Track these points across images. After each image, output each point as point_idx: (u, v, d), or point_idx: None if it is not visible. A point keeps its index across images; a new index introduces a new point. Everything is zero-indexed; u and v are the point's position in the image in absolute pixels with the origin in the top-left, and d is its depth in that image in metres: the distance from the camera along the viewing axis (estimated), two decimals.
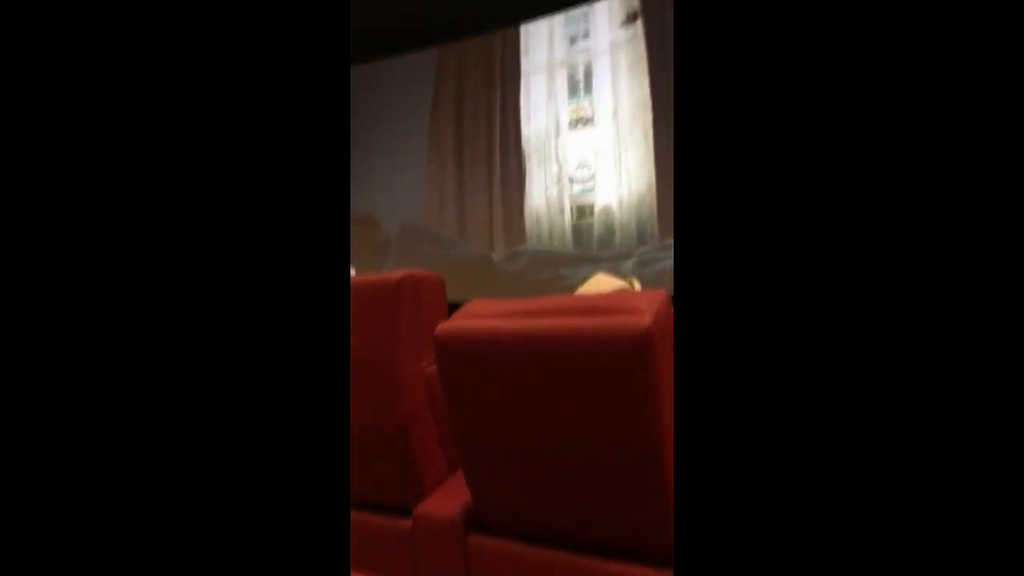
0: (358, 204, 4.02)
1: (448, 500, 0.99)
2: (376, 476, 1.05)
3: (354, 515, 1.07)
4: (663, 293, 0.77)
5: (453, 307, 0.93)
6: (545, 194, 3.64)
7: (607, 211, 3.47)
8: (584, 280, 1.19)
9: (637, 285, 1.18)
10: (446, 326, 0.84)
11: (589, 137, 3.56)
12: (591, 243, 3.50)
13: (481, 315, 0.84)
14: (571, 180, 3.58)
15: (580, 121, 3.59)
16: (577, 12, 3.60)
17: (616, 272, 1.24)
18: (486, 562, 0.90)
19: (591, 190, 3.53)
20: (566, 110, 3.64)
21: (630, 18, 3.46)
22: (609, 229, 3.46)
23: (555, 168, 3.62)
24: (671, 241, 3.16)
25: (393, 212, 4.03)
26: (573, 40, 3.64)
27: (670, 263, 3.18)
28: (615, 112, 3.49)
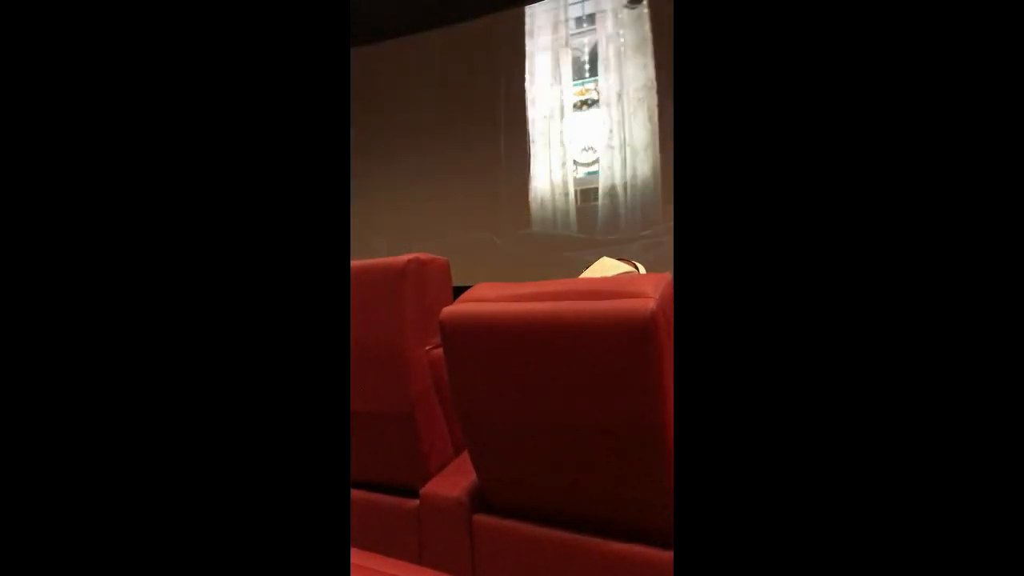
0: (359, 188, 4.01)
1: (454, 481, 1.01)
2: (383, 458, 1.06)
3: (362, 496, 1.08)
4: (667, 276, 0.77)
5: (458, 291, 0.93)
6: (550, 177, 3.62)
7: (612, 194, 3.45)
8: (589, 263, 1.20)
9: (642, 268, 1.18)
10: (451, 309, 0.84)
11: (594, 120, 3.53)
12: (596, 226, 3.49)
13: (486, 298, 0.84)
14: (576, 163, 3.56)
15: (585, 103, 3.56)
16: None
17: (621, 255, 1.24)
18: (491, 541, 0.91)
19: (596, 173, 3.51)
20: (571, 92, 3.61)
21: None
22: (614, 212, 3.44)
23: (560, 151, 3.60)
24: None
25: (396, 198, 4.02)
26: (578, 21, 3.60)
27: None
28: (620, 94, 3.46)
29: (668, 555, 0.77)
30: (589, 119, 3.54)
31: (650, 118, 3.37)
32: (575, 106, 3.59)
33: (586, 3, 3.57)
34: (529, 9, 3.70)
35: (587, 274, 1.14)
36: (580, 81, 3.59)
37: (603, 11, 3.52)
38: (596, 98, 3.54)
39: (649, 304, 0.70)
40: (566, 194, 3.58)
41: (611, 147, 3.47)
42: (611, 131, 3.47)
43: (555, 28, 3.66)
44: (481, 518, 0.93)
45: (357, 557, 0.49)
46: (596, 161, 3.51)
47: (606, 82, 3.51)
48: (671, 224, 3.25)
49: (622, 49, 3.46)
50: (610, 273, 1.12)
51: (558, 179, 3.60)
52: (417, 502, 1.01)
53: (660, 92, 3.34)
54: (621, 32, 3.47)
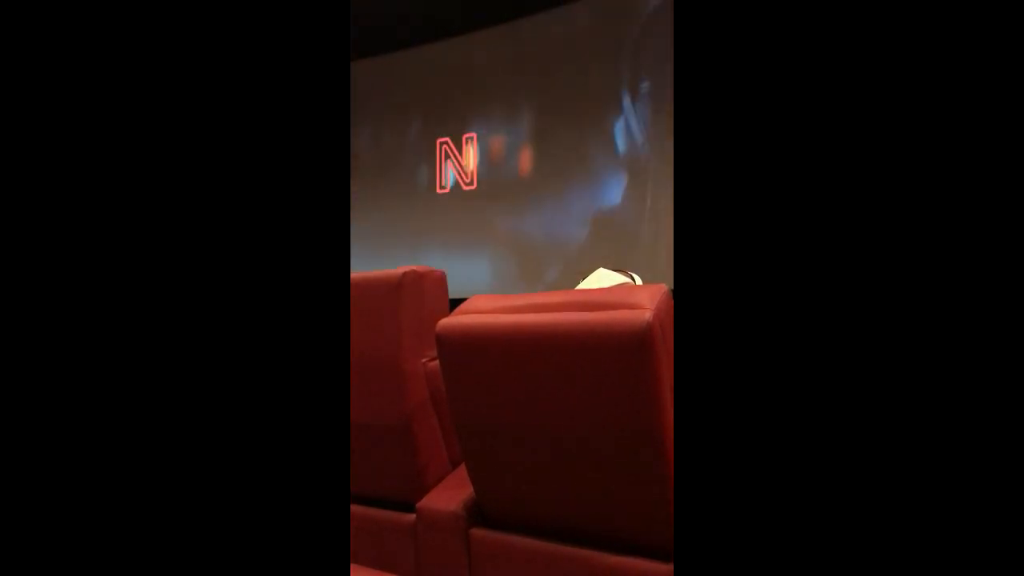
0: (355, 199, 4.01)
1: (451, 494, 1.00)
2: (379, 471, 1.06)
3: (358, 510, 1.07)
4: (663, 287, 0.77)
5: (455, 303, 0.93)
6: None
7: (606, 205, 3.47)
8: (585, 274, 1.20)
9: (638, 279, 1.19)
10: (448, 321, 0.84)
11: None
12: (591, 237, 3.50)
13: (482, 310, 0.84)
14: None
15: None
16: None
17: (617, 266, 1.24)
18: (488, 556, 0.90)
19: None
20: None
21: None
22: (609, 223, 3.46)
23: None
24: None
25: (392, 208, 4.03)
26: None
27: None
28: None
29: (668, 568, 0.76)
30: None
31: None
32: None
33: None
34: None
35: (583, 285, 1.14)
36: None
37: None
38: None
39: (645, 315, 0.70)
40: None
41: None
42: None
43: None
44: (478, 532, 0.92)
45: (354, 572, 0.48)
46: None
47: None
48: (668, 235, 3.27)
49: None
50: (606, 284, 1.12)
51: None
52: (414, 516, 1.00)
53: (654, 100, 3.37)
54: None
